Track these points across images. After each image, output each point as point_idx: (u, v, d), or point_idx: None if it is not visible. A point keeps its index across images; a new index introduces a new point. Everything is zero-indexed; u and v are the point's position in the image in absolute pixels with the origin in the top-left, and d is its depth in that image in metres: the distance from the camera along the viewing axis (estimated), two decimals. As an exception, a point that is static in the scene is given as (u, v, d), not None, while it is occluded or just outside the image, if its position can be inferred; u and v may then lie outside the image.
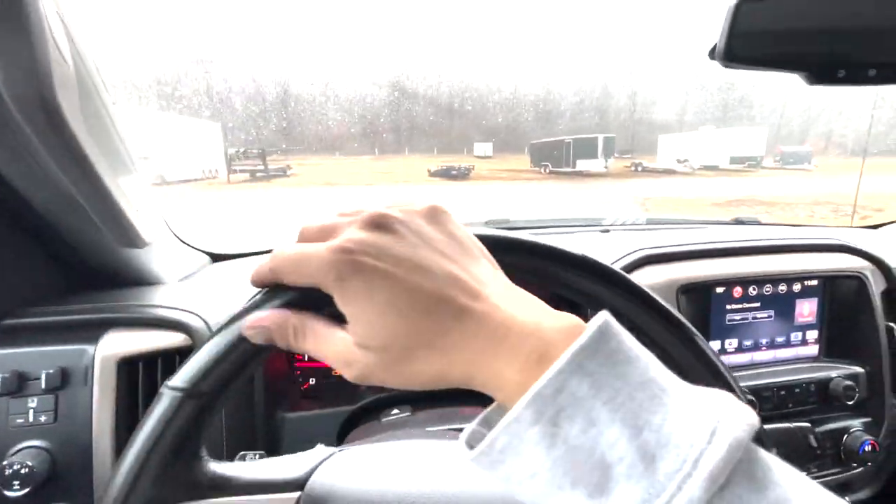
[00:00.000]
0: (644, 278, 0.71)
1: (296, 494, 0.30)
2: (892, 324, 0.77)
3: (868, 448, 0.70)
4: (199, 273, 0.84)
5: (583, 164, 10.24)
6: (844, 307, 0.78)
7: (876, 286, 0.77)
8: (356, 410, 0.68)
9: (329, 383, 0.76)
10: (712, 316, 0.73)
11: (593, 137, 10.48)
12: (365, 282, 0.21)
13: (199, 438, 0.27)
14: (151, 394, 0.56)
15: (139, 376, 0.56)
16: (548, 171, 10.37)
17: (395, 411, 0.64)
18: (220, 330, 0.27)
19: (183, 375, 0.27)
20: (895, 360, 0.76)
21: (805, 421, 0.73)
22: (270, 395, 0.64)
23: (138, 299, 0.63)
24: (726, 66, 0.65)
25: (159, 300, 0.64)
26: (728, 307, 0.74)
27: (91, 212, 0.50)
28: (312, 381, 0.77)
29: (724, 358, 0.75)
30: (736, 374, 0.74)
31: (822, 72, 0.58)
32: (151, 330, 0.57)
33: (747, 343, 0.75)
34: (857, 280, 0.76)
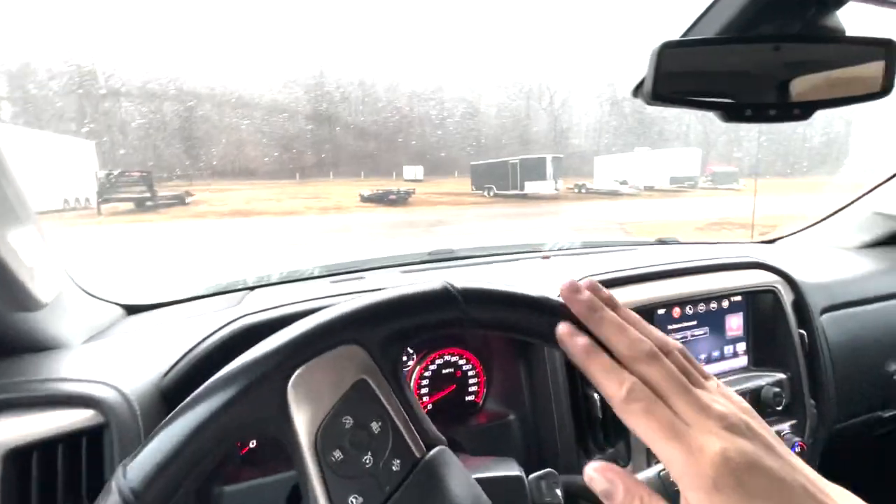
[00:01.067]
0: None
1: None
2: (803, 331, 0.85)
3: (797, 450, 0.77)
4: (110, 330, 0.73)
5: (532, 187, 9.76)
6: (764, 319, 0.85)
7: (787, 298, 0.86)
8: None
9: (273, 444, 0.68)
10: (656, 337, 0.77)
11: (541, 158, 10.03)
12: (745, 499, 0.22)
13: None
14: (48, 494, 0.46)
15: (31, 470, 0.46)
16: (492, 194, 9.89)
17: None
18: (177, 415, 0.24)
19: (138, 470, 0.22)
20: (810, 364, 0.85)
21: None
22: None
23: (33, 371, 0.53)
24: (650, 104, 0.70)
25: (62, 370, 0.54)
26: (669, 328, 0.78)
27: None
28: (253, 444, 0.69)
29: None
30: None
31: (733, 111, 0.64)
32: (50, 409, 0.48)
33: (688, 360, 0.80)
34: (772, 294, 0.85)
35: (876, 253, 1.19)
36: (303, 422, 0.30)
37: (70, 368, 0.54)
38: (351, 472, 0.30)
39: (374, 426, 0.31)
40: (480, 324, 0.34)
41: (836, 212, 1.33)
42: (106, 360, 0.58)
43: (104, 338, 0.69)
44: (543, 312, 0.33)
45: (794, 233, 1.40)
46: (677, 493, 0.26)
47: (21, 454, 0.46)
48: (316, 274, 1.03)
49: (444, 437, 0.34)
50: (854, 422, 0.94)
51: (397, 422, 0.32)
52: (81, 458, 0.47)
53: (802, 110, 0.63)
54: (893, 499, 1.23)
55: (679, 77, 0.63)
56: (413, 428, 0.32)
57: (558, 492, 0.52)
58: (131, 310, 0.82)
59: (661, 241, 1.36)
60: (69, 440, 0.47)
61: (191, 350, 0.57)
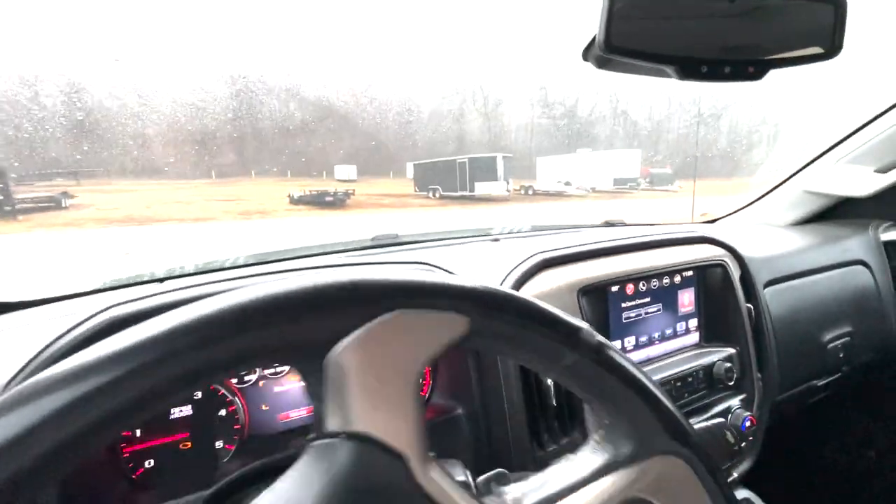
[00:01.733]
0: (545, 282, 0.67)
1: None
2: (750, 305, 0.85)
3: (748, 424, 0.75)
4: None
5: (482, 188, 9.21)
6: (714, 294, 0.84)
7: (734, 272, 0.85)
8: (209, 498, 0.50)
9: (176, 461, 0.57)
10: (611, 315, 0.73)
11: (491, 157, 9.57)
12: None
13: None
14: None
15: None
16: (438, 195, 9.21)
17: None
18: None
19: None
20: (756, 338, 0.84)
21: (697, 406, 0.75)
22: (80, 498, 0.44)
23: None
24: (601, 65, 0.64)
25: None
26: (623, 305, 0.74)
27: None
28: (150, 463, 0.57)
29: (625, 357, 0.75)
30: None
31: (688, 67, 0.60)
32: None
33: (643, 339, 0.77)
34: (721, 267, 0.83)
35: (808, 229, 1.24)
36: None
37: None
38: None
39: None
40: None
41: (769, 192, 1.38)
42: None
43: None
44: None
45: (733, 212, 1.43)
46: None
47: None
48: (240, 263, 0.90)
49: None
50: (793, 392, 0.96)
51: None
52: None
53: (756, 69, 0.61)
54: (829, 465, 1.29)
55: (632, 32, 0.58)
56: None
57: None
58: (2, 308, 0.67)
59: (609, 223, 1.35)
60: None
61: (42, 351, 0.44)
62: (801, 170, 1.32)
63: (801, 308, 0.98)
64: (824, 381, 1.04)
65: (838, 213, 1.31)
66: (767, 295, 0.93)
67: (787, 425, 1.18)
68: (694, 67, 0.59)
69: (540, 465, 0.65)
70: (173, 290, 0.57)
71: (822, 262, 1.07)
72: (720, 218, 1.46)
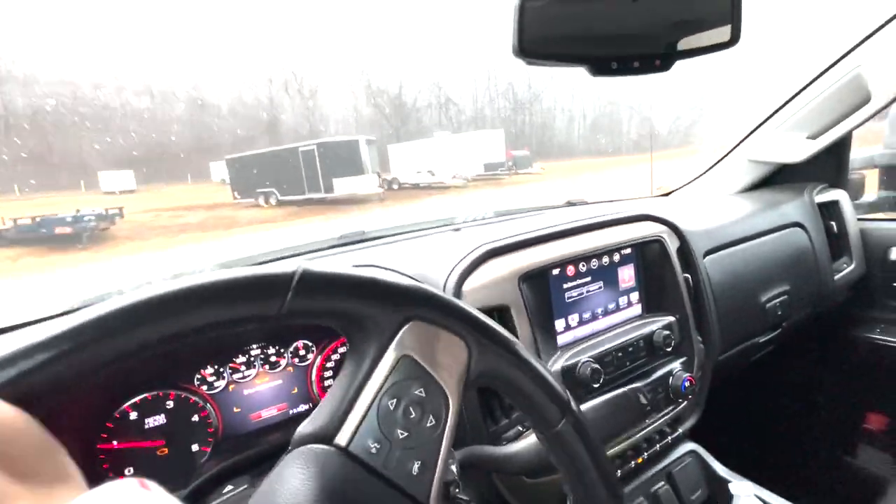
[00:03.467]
0: (489, 272, 0.73)
1: None
2: (687, 275, 0.91)
3: (688, 384, 0.82)
4: None
5: (344, 185, 5.72)
6: (653, 267, 0.90)
7: (672, 245, 0.91)
8: (189, 495, 0.55)
9: (154, 466, 0.61)
10: (553, 296, 0.78)
11: (351, 142, 6.03)
12: None
13: None
14: None
15: None
16: (275, 200, 5.70)
17: (230, 487, 0.53)
18: None
19: None
20: (695, 305, 0.91)
21: (639, 373, 0.82)
22: None
23: None
24: (527, 62, 0.68)
25: None
26: (565, 286, 0.79)
27: None
28: (129, 470, 0.61)
29: (570, 333, 0.81)
30: (581, 345, 0.80)
31: (599, 65, 0.64)
32: None
33: (586, 316, 0.82)
34: (658, 243, 0.89)
35: (752, 196, 1.31)
36: None
37: None
38: None
39: None
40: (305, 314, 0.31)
41: (717, 162, 1.44)
42: None
43: None
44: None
45: (685, 185, 1.50)
46: None
47: None
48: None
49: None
50: (734, 351, 1.04)
51: None
52: None
53: (662, 61, 0.65)
54: (775, 412, 1.40)
55: (543, 34, 0.62)
56: None
57: (454, 468, 0.51)
58: None
59: (570, 203, 1.40)
60: None
61: None
62: (744, 139, 1.38)
63: (740, 273, 1.05)
64: (766, 338, 1.12)
65: (780, 178, 1.39)
66: (707, 263, 1.00)
67: (734, 382, 1.27)
68: (605, 65, 0.63)
69: (493, 439, 0.72)
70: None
71: (761, 227, 1.14)
72: (674, 190, 1.53)
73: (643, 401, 0.53)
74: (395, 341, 0.34)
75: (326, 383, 0.76)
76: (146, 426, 0.64)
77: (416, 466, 0.33)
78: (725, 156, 1.41)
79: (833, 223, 1.26)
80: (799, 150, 1.23)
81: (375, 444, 0.33)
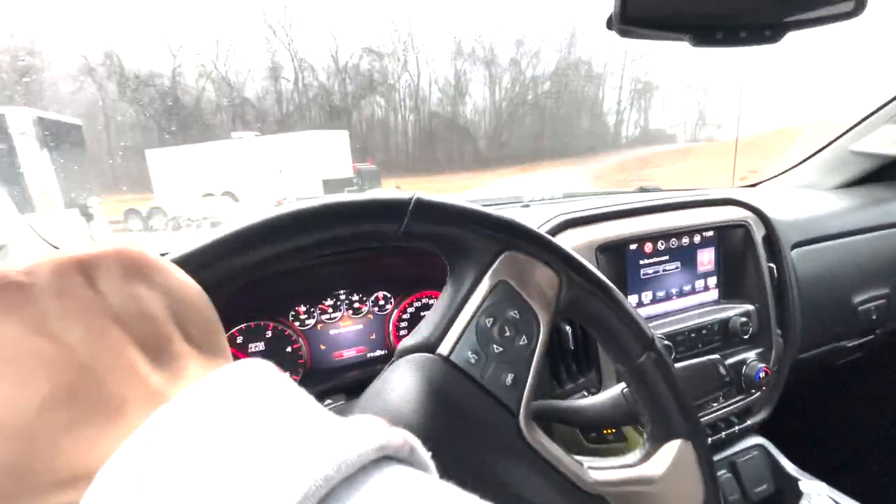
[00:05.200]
0: (566, 240, 0.74)
1: None
2: (772, 265, 0.87)
3: (763, 375, 0.80)
4: None
5: None
6: (735, 254, 0.87)
7: (758, 233, 0.87)
8: None
9: None
10: (628, 271, 0.78)
11: None
12: None
13: None
14: None
15: None
16: None
17: (328, 401, 0.60)
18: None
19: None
20: (777, 296, 0.87)
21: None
22: None
23: None
24: (623, 34, 0.68)
25: None
26: (641, 262, 0.79)
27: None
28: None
29: (642, 310, 0.81)
30: (652, 323, 0.80)
31: (703, 34, 0.62)
32: None
33: (660, 294, 0.82)
34: (743, 228, 0.86)
35: (851, 192, 1.21)
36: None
37: None
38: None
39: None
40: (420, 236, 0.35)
41: (814, 154, 1.34)
42: None
43: None
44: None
45: (774, 176, 1.41)
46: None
47: None
48: None
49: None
50: (818, 351, 0.98)
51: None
52: None
53: (773, 32, 0.62)
54: (850, 421, 1.30)
55: (647, 2, 0.61)
56: None
57: None
58: None
59: (643, 189, 1.37)
60: None
61: None
62: (848, 131, 1.27)
63: (832, 270, 0.98)
64: (855, 343, 1.05)
65: (887, 175, 1.26)
66: (794, 256, 0.94)
67: (813, 383, 1.20)
68: (709, 35, 0.62)
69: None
70: None
71: (861, 224, 1.05)
72: (760, 182, 1.44)
73: (722, 371, 0.53)
74: (493, 268, 0.38)
75: (401, 333, 0.82)
76: (249, 350, 0.73)
77: (509, 378, 0.37)
78: (825, 146, 1.30)
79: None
80: (915, 143, 1.11)
81: (474, 356, 0.37)
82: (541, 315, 0.38)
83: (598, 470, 0.40)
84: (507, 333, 0.37)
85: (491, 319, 0.37)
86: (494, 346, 0.37)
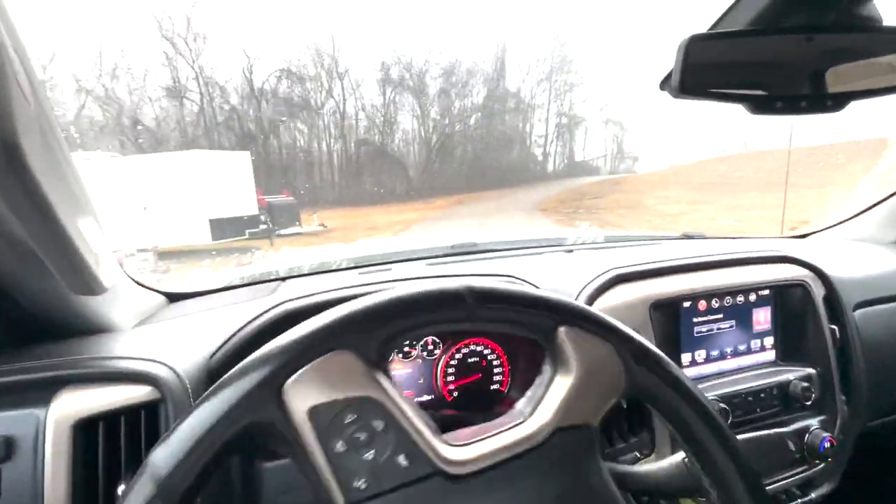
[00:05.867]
0: (618, 296, 0.74)
1: None
2: (834, 326, 0.84)
3: (828, 445, 0.76)
4: (156, 315, 0.78)
5: None
6: (793, 313, 0.85)
7: (818, 292, 0.84)
8: None
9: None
10: (682, 330, 0.77)
11: None
12: None
13: None
14: (113, 458, 0.51)
15: (99, 439, 0.50)
16: None
17: None
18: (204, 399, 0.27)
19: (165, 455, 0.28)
20: (841, 359, 0.83)
21: (770, 422, 0.77)
22: None
23: (94, 351, 0.58)
24: (677, 97, 0.70)
25: (118, 350, 0.59)
26: (695, 320, 0.78)
27: (45, 258, 0.46)
28: None
29: (695, 369, 0.79)
30: (706, 383, 0.78)
31: (762, 103, 0.63)
32: (112, 385, 0.53)
33: (714, 353, 0.80)
34: (802, 288, 0.84)
35: None
36: (303, 419, 0.32)
37: (126, 348, 0.59)
38: (353, 465, 0.32)
39: (377, 424, 0.33)
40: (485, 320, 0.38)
41: (870, 207, 1.29)
42: (158, 341, 0.62)
43: (152, 322, 0.74)
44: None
45: (827, 228, 1.36)
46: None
47: (87, 425, 0.50)
48: (344, 266, 1.07)
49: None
50: (888, 419, 0.92)
51: (401, 420, 0.34)
52: (141, 429, 0.52)
53: (835, 102, 0.62)
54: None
55: (707, 69, 0.63)
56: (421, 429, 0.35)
57: None
58: (173, 297, 0.88)
59: (687, 236, 1.35)
60: (129, 413, 0.52)
61: (235, 333, 0.61)
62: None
63: (900, 332, 0.93)
64: (929, 412, 0.98)
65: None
66: (858, 317, 0.90)
67: (884, 456, 1.11)
68: (769, 104, 0.63)
69: (607, 460, 0.72)
70: (325, 292, 0.72)
71: (930, 284, 1.00)
72: (813, 233, 1.39)
73: (791, 447, 0.51)
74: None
75: (448, 378, 0.83)
76: None
77: None
78: (883, 200, 1.26)
79: None
80: None
81: None
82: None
83: None
84: None
85: None
86: None
